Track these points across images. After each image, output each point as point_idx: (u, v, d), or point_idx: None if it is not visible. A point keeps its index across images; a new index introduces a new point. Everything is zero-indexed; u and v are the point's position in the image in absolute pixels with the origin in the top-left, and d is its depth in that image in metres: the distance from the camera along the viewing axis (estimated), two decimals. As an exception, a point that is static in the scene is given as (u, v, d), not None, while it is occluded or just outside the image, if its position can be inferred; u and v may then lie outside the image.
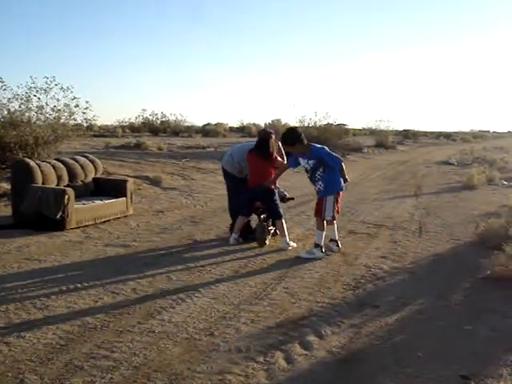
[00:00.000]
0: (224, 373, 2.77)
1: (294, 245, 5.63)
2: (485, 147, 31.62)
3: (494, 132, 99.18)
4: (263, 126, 28.35)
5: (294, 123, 22.84)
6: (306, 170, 5.37)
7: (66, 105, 9.75)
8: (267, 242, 5.69)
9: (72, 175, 6.74)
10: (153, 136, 25.23)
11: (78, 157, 7.25)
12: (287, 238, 5.60)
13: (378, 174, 14.82)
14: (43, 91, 9.53)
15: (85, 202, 6.42)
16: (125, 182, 7.21)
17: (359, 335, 3.34)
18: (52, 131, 9.53)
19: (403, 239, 6.18)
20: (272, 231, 5.87)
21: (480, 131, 78.34)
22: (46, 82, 9.51)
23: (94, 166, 7.26)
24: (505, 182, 12.42)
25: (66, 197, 5.91)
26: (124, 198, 6.96)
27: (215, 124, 35.69)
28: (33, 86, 9.48)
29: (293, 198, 6.44)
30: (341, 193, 5.39)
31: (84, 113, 10.00)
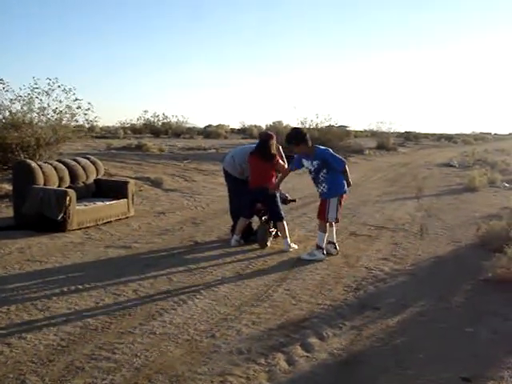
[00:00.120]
0: (225, 374, 2.77)
1: (296, 246, 5.63)
2: (486, 149, 31.59)
3: (495, 134, 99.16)
4: (264, 127, 28.35)
5: (295, 125, 22.86)
6: (310, 172, 5.37)
7: (68, 106, 9.77)
8: (268, 243, 5.69)
9: (73, 176, 6.74)
10: (154, 137, 25.28)
11: (79, 158, 7.26)
12: (288, 239, 5.60)
13: (379, 176, 14.81)
14: (45, 93, 9.56)
15: (86, 204, 6.43)
16: (126, 183, 7.22)
17: (360, 337, 3.34)
18: (54, 133, 9.54)
19: (404, 241, 6.18)
20: (273, 233, 5.88)
21: (481, 133, 78.33)
22: (49, 84, 9.54)
23: (96, 167, 7.27)
24: (506, 184, 12.41)
25: (68, 198, 5.92)
26: (125, 200, 6.97)
27: (216, 125, 35.79)
28: (35, 87, 9.52)
29: (294, 200, 6.45)
30: (344, 195, 5.39)
31: (85, 114, 10.03)
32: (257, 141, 5.83)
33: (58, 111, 9.73)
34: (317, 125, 21.70)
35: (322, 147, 5.43)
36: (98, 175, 7.30)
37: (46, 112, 9.71)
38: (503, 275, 4.49)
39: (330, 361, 3.00)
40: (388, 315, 3.74)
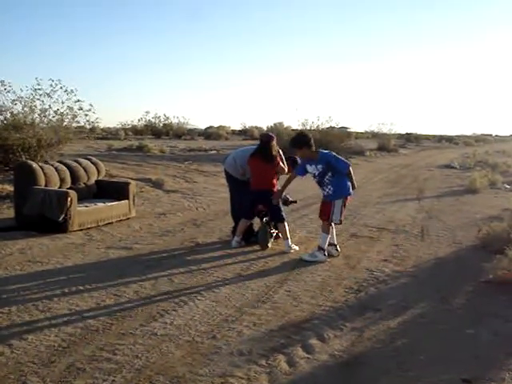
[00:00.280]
0: (226, 376, 2.77)
1: (297, 248, 5.63)
2: (487, 151, 31.57)
3: (496, 135, 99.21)
4: (265, 129, 28.38)
5: (296, 126, 22.88)
6: (314, 176, 5.39)
7: (70, 107, 9.80)
8: (269, 245, 5.69)
9: (75, 177, 6.75)
10: (155, 139, 25.29)
11: (80, 159, 7.27)
12: (289, 241, 5.61)
13: (380, 178, 14.81)
14: (46, 95, 9.58)
15: (87, 205, 6.44)
16: (127, 184, 7.22)
17: (361, 339, 3.34)
18: (55, 134, 9.56)
19: (405, 243, 6.18)
20: (274, 234, 5.88)
21: (482, 135, 78.33)
22: (51, 85, 9.57)
23: (97, 168, 7.28)
24: (507, 186, 12.40)
25: (69, 199, 5.92)
26: (126, 201, 6.98)
27: (217, 127, 35.82)
28: (38, 88, 9.54)
29: (295, 201, 6.45)
30: (349, 197, 5.40)
31: (86, 115, 10.05)
32: (258, 142, 5.84)
33: (59, 112, 9.76)
34: (318, 126, 21.70)
35: (325, 151, 5.46)
36: (99, 176, 7.31)
37: (47, 113, 9.74)
38: (504, 277, 4.49)
39: (330, 362, 3.00)
40: (389, 317, 3.74)
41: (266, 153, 5.53)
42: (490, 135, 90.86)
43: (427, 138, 53.20)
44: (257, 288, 4.30)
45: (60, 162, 7.00)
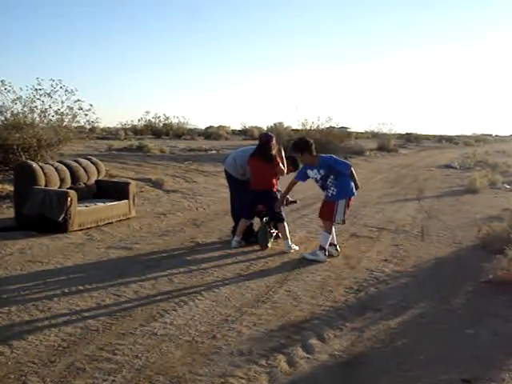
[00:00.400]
0: (226, 376, 2.77)
1: (296, 248, 5.64)
2: (487, 151, 31.58)
3: (496, 135, 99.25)
4: (265, 128, 28.39)
5: (296, 126, 22.88)
6: (316, 180, 5.39)
7: (70, 107, 9.80)
8: (269, 244, 5.69)
9: (75, 177, 6.75)
10: (155, 138, 25.31)
11: (80, 159, 7.27)
12: (289, 240, 5.61)
13: (380, 178, 14.81)
14: (47, 95, 9.58)
15: (87, 205, 6.44)
16: (127, 184, 7.22)
17: (361, 339, 3.34)
18: (55, 134, 9.56)
19: (405, 243, 6.18)
20: (274, 234, 5.88)
21: (482, 135, 78.40)
22: (52, 85, 9.57)
23: (97, 168, 7.28)
24: (507, 186, 12.40)
25: (69, 199, 5.92)
26: (126, 201, 6.98)
27: (217, 127, 35.84)
28: (39, 88, 9.54)
29: (295, 201, 6.45)
30: (352, 198, 5.40)
31: (86, 115, 10.05)
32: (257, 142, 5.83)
33: (59, 112, 9.76)
34: (318, 126, 21.72)
35: (325, 155, 5.48)
36: (99, 176, 7.31)
37: (47, 113, 9.74)
38: (504, 277, 4.49)
39: (330, 362, 3.00)
40: (389, 317, 3.74)
41: (265, 153, 5.53)
42: (490, 135, 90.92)
43: (427, 138, 53.24)
44: (257, 288, 4.30)
45: (60, 161, 7.00)
